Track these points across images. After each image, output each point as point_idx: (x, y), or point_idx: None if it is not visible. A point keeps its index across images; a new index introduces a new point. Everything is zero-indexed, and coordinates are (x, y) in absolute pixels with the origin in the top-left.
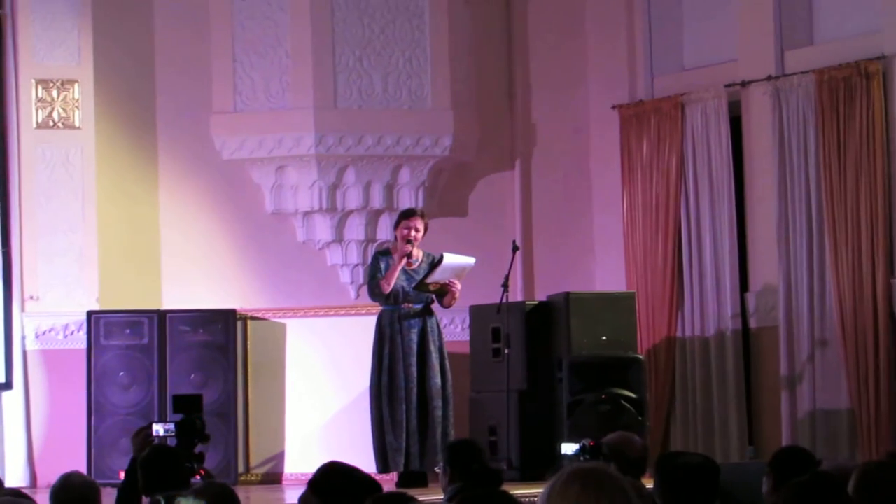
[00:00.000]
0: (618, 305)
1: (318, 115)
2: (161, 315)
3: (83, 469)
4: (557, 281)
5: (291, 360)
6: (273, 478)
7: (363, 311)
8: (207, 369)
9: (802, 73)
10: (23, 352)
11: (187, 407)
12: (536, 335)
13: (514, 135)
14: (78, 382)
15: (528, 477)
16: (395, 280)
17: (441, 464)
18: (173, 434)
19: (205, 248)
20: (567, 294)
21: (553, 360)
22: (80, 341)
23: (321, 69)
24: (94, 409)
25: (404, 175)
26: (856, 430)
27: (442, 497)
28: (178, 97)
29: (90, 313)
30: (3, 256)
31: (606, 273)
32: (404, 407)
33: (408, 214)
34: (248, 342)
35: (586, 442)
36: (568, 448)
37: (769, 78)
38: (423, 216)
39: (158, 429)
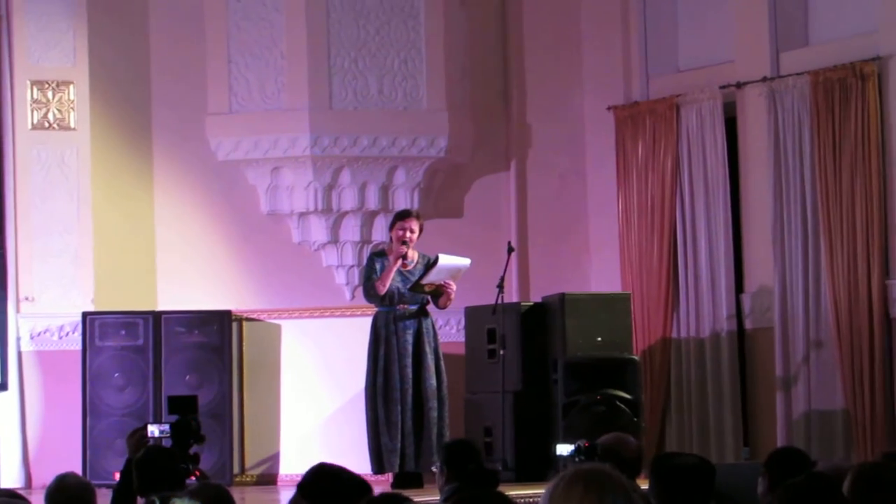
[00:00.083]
0: (613, 306)
1: (313, 116)
2: (156, 316)
3: (78, 470)
4: (553, 282)
5: (287, 362)
6: (268, 479)
7: (358, 313)
8: (202, 370)
9: (798, 74)
10: (18, 353)
11: (182, 408)
12: (532, 336)
13: (509, 136)
14: (73, 383)
15: (523, 478)
16: (390, 281)
17: (438, 464)
18: (168, 435)
19: (200, 249)
20: (562, 295)
21: (548, 361)
22: (75, 342)
23: (316, 70)
24: (90, 410)
25: (399, 176)
26: (851, 430)
27: (438, 498)
28: (174, 98)
29: (85, 314)
30: None
31: (602, 274)
32: (399, 408)
33: (403, 216)
34: (244, 343)
35: (581, 443)
36: (563, 449)
37: (764, 79)
38: (418, 217)
39: (153, 430)
